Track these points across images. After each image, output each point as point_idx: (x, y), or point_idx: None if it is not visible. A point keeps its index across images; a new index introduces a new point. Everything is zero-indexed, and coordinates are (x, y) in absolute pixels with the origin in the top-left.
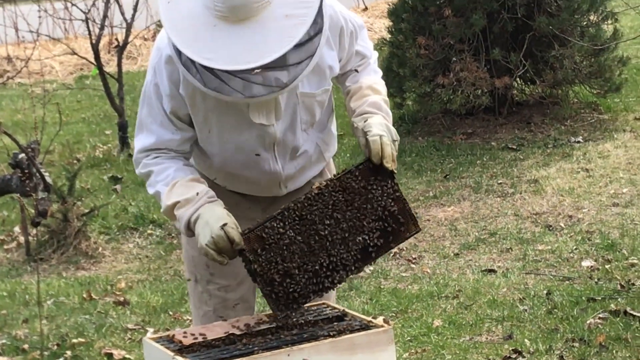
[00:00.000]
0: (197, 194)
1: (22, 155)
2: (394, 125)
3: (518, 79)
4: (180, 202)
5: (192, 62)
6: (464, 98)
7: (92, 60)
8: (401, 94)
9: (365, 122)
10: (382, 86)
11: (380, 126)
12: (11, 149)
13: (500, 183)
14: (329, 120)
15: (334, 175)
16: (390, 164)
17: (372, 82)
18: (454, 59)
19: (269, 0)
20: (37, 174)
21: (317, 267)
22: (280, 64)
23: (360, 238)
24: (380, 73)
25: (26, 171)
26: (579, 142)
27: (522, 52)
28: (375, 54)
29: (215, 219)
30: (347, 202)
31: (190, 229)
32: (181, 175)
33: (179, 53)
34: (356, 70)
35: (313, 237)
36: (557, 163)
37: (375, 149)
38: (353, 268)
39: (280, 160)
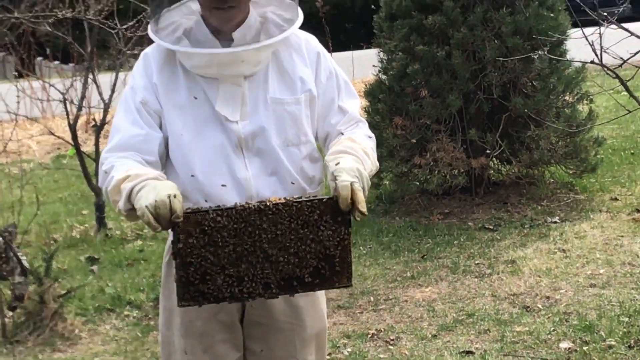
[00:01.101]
0: (150, 172)
1: None
2: (370, 204)
3: (494, 159)
4: (130, 176)
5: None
6: (440, 178)
7: (70, 140)
8: (378, 173)
9: (336, 164)
10: (363, 139)
11: (351, 171)
12: None
13: (478, 263)
14: (310, 165)
15: (294, 198)
16: (357, 213)
17: (354, 136)
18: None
19: None
20: (14, 258)
21: (238, 274)
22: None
23: (292, 268)
24: (373, 139)
25: (3, 255)
26: (555, 222)
27: (498, 132)
28: (364, 122)
29: (165, 188)
30: (295, 228)
31: (130, 201)
32: (139, 166)
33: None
34: (342, 134)
35: (248, 246)
36: (534, 243)
37: (345, 195)
38: (272, 291)
39: (252, 168)
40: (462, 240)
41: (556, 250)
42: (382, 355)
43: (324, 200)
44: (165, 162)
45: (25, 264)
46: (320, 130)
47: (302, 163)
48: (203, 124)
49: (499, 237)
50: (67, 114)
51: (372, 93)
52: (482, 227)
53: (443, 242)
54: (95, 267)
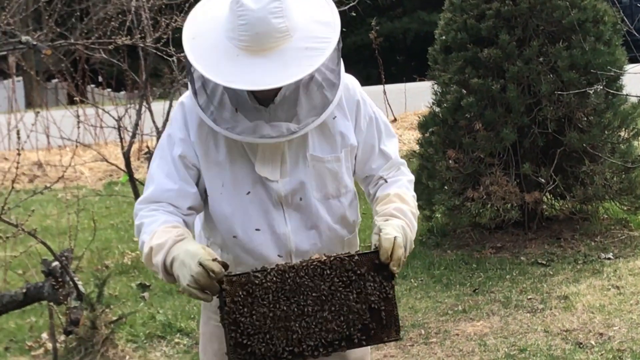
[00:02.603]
0: (169, 238)
1: (55, 263)
2: (422, 236)
3: (548, 194)
4: (153, 248)
5: (210, 100)
6: (493, 212)
7: (122, 167)
8: (430, 206)
9: (385, 221)
10: (411, 198)
11: (397, 228)
12: (42, 254)
13: (530, 298)
14: (351, 211)
15: (337, 255)
16: (396, 267)
17: (401, 192)
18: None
19: (290, 34)
20: (70, 282)
21: (286, 335)
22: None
23: (339, 326)
24: (413, 193)
25: (59, 279)
26: (609, 258)
27: (552, 167)
28: (412, 177)
29: (190, 257)
30: (338, 284)
31: (169, 274)
32: (163, 224)
33: (195, 94)
34: (385, 180)
35: (293, 306)
36: (588, 279)
37: (386, 247)
38: (319, 351)
39: (291, 224)
40: (514, 274)
41: (610, 287)
42: None
43: (365, 254)
44: (205, 211)
45: (81, 288)
46: (359, 171)
47: (343, 212)
48: (243, 182)
49: (551, 273)
50: (121, 141)
51: (425, 125)
52: (534, 262)
53: (495, 276)
54: (146, 294)
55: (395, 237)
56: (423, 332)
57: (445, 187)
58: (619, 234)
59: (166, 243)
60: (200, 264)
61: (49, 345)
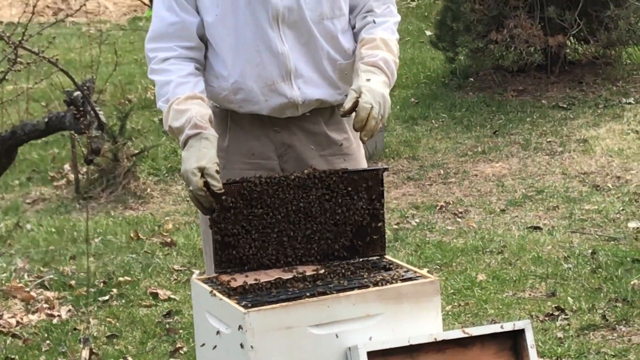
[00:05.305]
0: (184, 122)
1: (77, 92)
2: (444, 78)
3: (572, 38)
4: (173, 129)
5: None
6: (516, 55)
7: (146, 1)
8: (454, 48)
9: (367, 80)
10: (395, 46)
11: (377, 95)
12: (65, 87)
13: (550, 141)
14: (344, 38)
15: (329, 170)
16: (366, 138)
17: (387, 38)
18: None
19: None
20: (92, 112)
21: (272, 243)
22: None
23: (325, 238)
24: (397, 36)
25: (81, 109)
26: (630, 103)
27: (577, 10)
28: (398, 17)
29: (193, 168)
30: (328, 199)
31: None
32: (179, 93)
33: None
34: (374, 22)
35: (282, 216)
36: (608, 123)
37: (362, 116)
38: (303, 262)
39: (287, 43)
40: (535, 117)
41: (629, 131)
42: (449, 227)
43: (359, 171)
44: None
45: (103, 119)
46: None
47: (336, 35)
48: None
49: (572, 116)
50: None
51: None
52: (555, 105)
53: (516, 118)
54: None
55: (372, 108)
56: (442, 172)
57: (470, 29)
58: None
59: (182, 129)
60: (205, 183)
61: (71, 177)
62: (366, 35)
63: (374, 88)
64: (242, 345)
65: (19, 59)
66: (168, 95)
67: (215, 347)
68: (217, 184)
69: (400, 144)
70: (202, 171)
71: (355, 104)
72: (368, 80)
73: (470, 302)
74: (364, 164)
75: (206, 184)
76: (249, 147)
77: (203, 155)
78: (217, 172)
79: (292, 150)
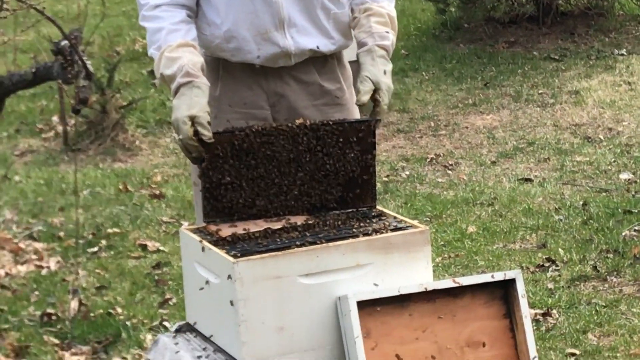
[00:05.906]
0: (176, 69)
1: (65, 42)
2: (435, 30)
3: None
4: (164, 77)
5: None
6: (508, 6)
7: None
8: None
9: (384, 72)
10: (395, 18)
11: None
12: (53, 38)
13: (541, 93)
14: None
15: (320, 121)
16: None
17: (393, 15)
18: None
19: None
20: (79, 62)
21: (262, 193)
22: None
23: (315, 189)
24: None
25: (68, 58)
26: (622, 54)
27: None
28: None
29: (184, 117)
30: (319, 151)
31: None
32: (170, 41)
33: None
34: None
35: (272, 167)
36: (599, 75)
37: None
38: (293, 213)
39: None
40: (526, 69)
41: (621, 83)
42: (440, 179)
43: (351, 122)
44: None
45: (90, 68)
46: None
47: None
48: None
49: (563, 68)
50: None
51: None
52: (547, 56)
53: (507, 70)
54: (156, 81)
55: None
56: (432, 124)
57: None
58: (634, 30)
59: (174, 78)
60: (195, 133)
61: (59, 128)
62: (374, 4)
63: (390, 85)
64: (231, 296)
65: (4, 6)
66: (160, 43)
67: (202, 290)
68: (207, 133)
69: (391, 96)
70: (193, 120)
71: (372, 96)
72: (385, 73)
73: (460, 254)
74: (356, 114)
75: (196, 132)
76: (241, 96)
77: (194, 103)
78: (209, 122)
79: (284, 100)
